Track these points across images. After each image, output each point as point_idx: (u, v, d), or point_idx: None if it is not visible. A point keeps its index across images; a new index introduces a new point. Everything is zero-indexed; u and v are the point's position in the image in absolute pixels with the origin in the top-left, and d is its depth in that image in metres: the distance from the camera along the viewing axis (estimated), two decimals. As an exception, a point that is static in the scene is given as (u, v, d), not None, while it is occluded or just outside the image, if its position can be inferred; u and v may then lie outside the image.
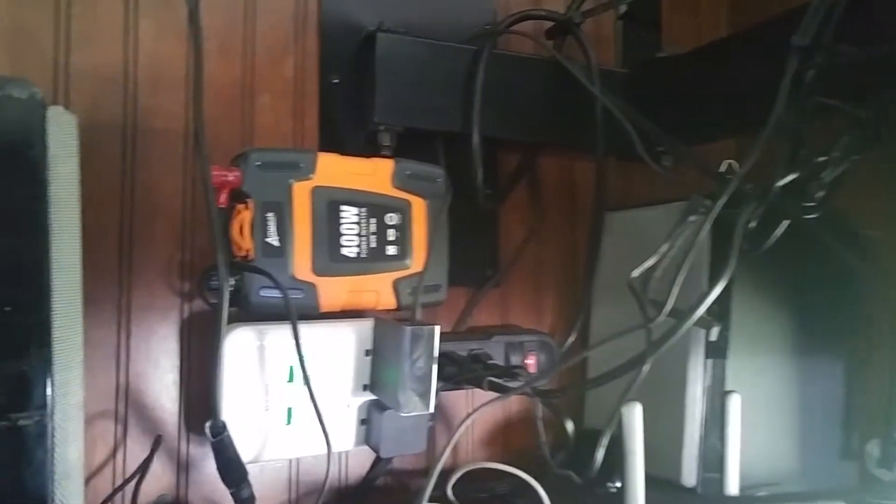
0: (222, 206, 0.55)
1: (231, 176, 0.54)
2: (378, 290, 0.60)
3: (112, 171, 0.58)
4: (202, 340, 0.60)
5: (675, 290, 0.50)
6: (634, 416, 0.53)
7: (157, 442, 0.57)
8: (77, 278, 0.42)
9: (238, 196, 0.55)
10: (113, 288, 0.57)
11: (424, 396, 0.53)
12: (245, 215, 0.55)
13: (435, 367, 0.54)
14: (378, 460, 0.64)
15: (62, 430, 0.38)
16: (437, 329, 0.54)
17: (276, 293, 0.53)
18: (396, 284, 0.60)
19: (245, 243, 0.55)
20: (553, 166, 0.79)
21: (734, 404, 0.60)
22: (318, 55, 0.67)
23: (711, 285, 0.49)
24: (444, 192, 0.63)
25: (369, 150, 0.63)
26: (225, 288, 0.50)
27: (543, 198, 0.78)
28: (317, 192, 0.57)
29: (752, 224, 0.51)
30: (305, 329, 0.54)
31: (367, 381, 0.59)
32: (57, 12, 0.56)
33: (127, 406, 0.57)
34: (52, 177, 0.40)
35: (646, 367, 0.49)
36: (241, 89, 0.64)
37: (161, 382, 0.59)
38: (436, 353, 0.54)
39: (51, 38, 0.56)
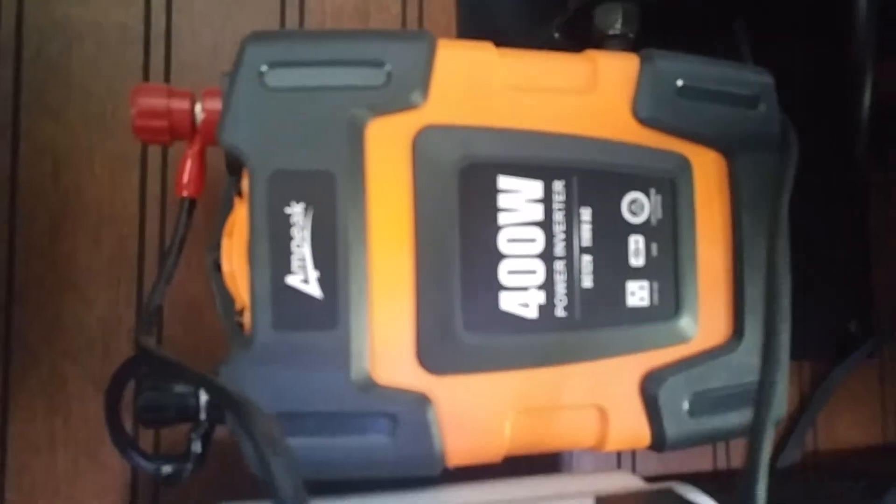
0: (187, 195, 0.21)
1: (188, 103, 0.20)
2: (604, 402, 0.23)
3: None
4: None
5: None
6: None
7: None
8: None
9: (233, 166, 0.21)
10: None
11: None
12: (238, 216, 0.20)
13: None
14: None
15: None
16: None
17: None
18: (654, 386, 0.23)
19: (239, 289, 0.20)
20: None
21: None
22: None
23: None
24: (774, 135, 0.24)
25: (569, 46, 0.26)
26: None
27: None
28: (429, 139, 0.21)
29: None
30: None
31: None
32: None
33: None
34: None
35: None
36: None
37: None
38: None
39: None
